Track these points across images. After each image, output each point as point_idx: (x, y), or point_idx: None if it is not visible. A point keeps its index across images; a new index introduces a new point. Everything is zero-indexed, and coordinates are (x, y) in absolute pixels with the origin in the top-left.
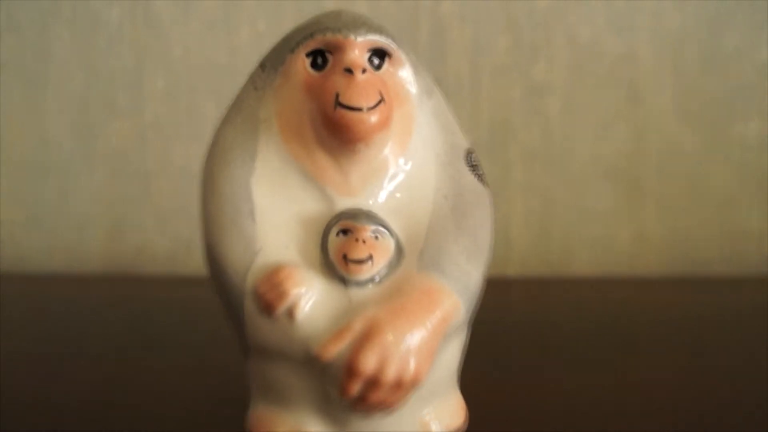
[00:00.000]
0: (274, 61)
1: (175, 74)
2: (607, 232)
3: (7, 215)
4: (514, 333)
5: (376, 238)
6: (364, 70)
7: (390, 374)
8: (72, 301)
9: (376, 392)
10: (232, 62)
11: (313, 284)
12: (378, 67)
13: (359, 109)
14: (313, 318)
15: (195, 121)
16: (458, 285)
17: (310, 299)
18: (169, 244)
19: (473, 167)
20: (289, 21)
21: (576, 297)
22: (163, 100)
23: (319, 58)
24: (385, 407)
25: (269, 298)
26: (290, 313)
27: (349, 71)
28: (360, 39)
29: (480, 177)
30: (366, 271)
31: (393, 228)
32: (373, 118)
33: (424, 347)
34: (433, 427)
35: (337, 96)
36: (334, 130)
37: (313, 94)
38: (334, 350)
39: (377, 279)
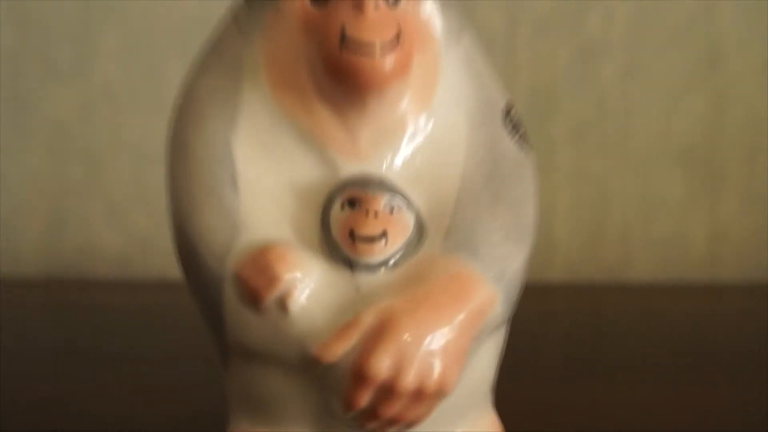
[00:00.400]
0: None
1: (131, 27)
2: (677, 230)
3: None
4: (558, 349)
5: (392, 211)
6: (377, 5)
7: (408, 381)
8: (2, 309)
9: (391, 404)
10: (204, 12)
11: (310, 268)
12: (396, 1)
13: (370, 48)
14: (311, 310)
15: (156, 87)
16: (495, 271)
17: (307, 287)
18: (123, 241)
19: (514, 128)
20: None
21: (636, 308)
22: (115, 60)
23: None
24: (401, 423)
25: (255, 285)
26: (282, 305)
27: (358, 4)
28: None
29: (522, 140)
30: (378, 252)
31: (412, 200)
32: (388, 62)
33: (451, 348)
34: None
35: (343, 31)
36: (339, 77)
37: (313, 32)
38: (338, 351)
39: (392, 262)
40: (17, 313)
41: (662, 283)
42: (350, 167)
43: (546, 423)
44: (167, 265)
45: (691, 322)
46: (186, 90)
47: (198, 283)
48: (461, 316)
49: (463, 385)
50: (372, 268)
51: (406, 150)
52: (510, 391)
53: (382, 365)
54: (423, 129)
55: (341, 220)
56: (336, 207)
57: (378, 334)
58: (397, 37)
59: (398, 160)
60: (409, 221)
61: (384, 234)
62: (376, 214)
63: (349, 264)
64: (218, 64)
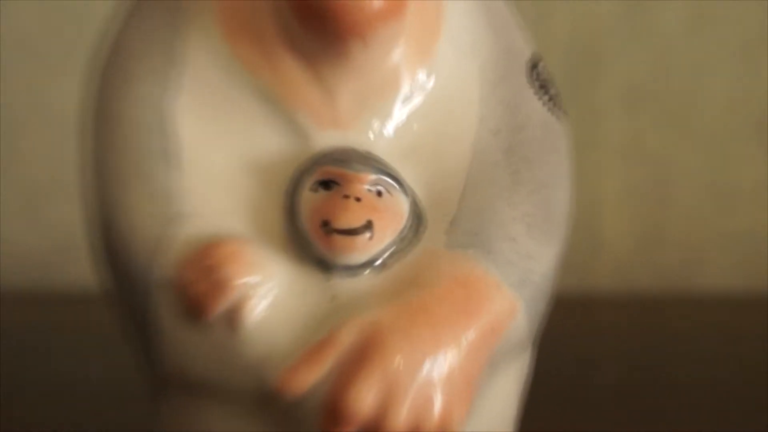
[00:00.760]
0: None
1: None
2: (757, 224)
3: None
4: (603, 376)
5: (379, 194)
6: None
7: (400, 421)
8: None
9: None
10: None
11: (271, 270)
12: None
13: None
14: (271, 327)
15: (83, 38)
16: (515, 273)
17: (266, 296)
18: (37, 240)
19: (542, 86)
20: None
21: (705, 323)
22: (29, 2)
23: None
24: None
25: (197, 292)
26: (232, 319)
27: None
28: None
29: (552, 102)
30: (360, 249)
31: (407, 180)
32: None
33: (457, 377)
34: None
35: None
36: (312, 19)
37: None
38: (307, 380)
39: (379, 262)
40: None
41: (738, 291)
42: (325, 137)
43: None
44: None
45: None
46: (110, 39)
47: (121, 290)
48: (470, 334)
49: (475, 425)
50: (352, 270)
51: (399, 115)
52: (538, 426)
53: (365, 400)
54: (422, 87)
55: (313, 206)
56: (306, 189)
57: (360, 359)
58: None
59: (389, 128)
60: (402, 208)
61: (368, 225)
62: (358, 198)
63: (323, 265)
64: (152, 4)
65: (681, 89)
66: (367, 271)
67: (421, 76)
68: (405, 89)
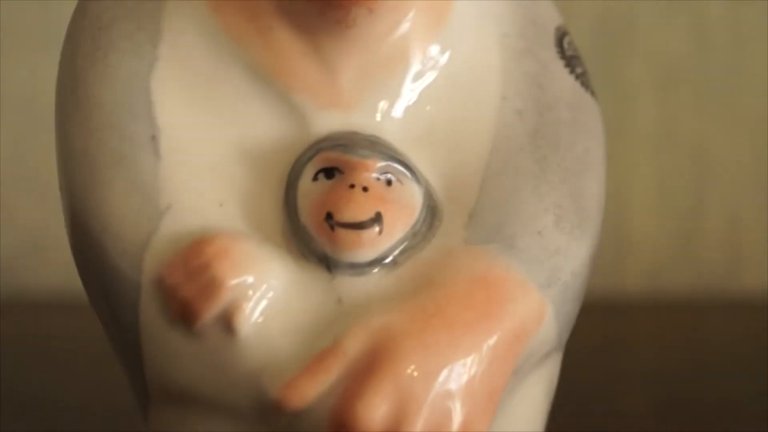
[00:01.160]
0: None
1: None
2: None
3: None
4: (637, 386)
5: (389, 183)
6: None
7: None
8: None
9: None
10: None
11: (268, 268)
12: None
13: None
14: (270, 333)
15: (49, 14)
16: (542, 272)
17: (264, 298)
18: (8, 239)
19: (570, 60)
20: None
21: (748, 329)
22: None
23: None
24: None
25: (187, 295)
26: (226, 324)
27: None
28: None
29: (582, 78)
30: (369, 245)
31: (419, 167)
32: None
33: (478, 387)
34: None
35: None
36: None
37: None
38: (310, 392)
39: (390, 260)
40: None
41: None
42: (326, 118)
43: None
44: (68, 273)
45: None
46: (83, 10)
47: (103, 295)
48: (492, 340)
49: None
50: (359, 268)
51: (409, 94)
52: None
53: (375, 414)
54: (435, 63)
55: (314, 197)
56: (306, 178)
57: (369, 368)
58: None
59: (398, 109)
60: (414, 199)
61: (377, 218)
62: (365, 188)
63: (327, 263)
64: None
65: (722, 66)
66: (376, 270)
67: (434, 49)
68: (416, 65)
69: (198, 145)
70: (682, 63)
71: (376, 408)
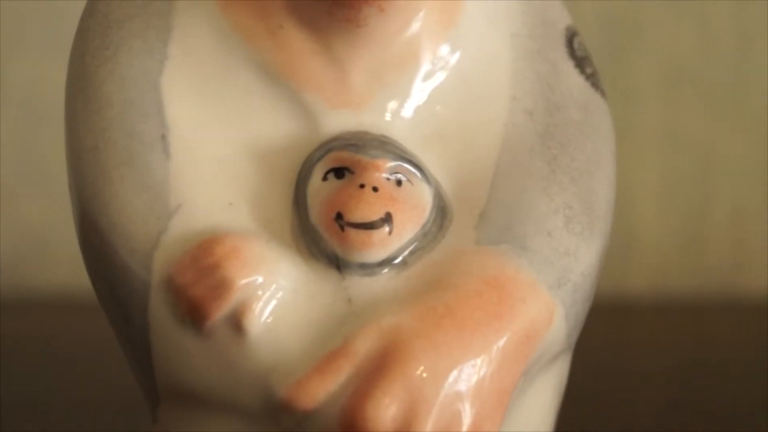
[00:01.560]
0: None
1: None
2: None
3: None
4: (644, 387)
5: (399, 183)
6: None
7: None
8: None
9: None
10: None
11: (278, 268)
12: None
13: None
14: (279, 333)
15: (55, 14)
16: (552, 272)
17: (274, 298)
18: (11, 238)
19: (580, 61)
20: None
21: (755, 331)
22: None
23: None
24: None
25: (196, 295)
26: (236, 324)
27: None
28: None
29: (591, 78)
30: (379, 245)
31: (429, 167)
32: None
33: (488, 388)
34: None
35: None
36: None
37: None
38: (320, 392)
39: (400, 260)
40: None
41: None
42: (336, 118)
43: None
44: (73, 272)
45: None
46: (92, 9)
47: (112, 294)
48: (503, 341)
49: None
50: (369, 268)
51: (419, 93)
52: None
53: (384, 415)
54: (445, 63)
55: (324, 197)
56: (316, 178)
57: (379, 368)
58: None
59: (408, 109)
60: (424, 199)
61: (387, 218)
62: (375, 188)
63: (337, 263)
64: None
65: (727, 67)
66: (386, 270)
67: (444, 49)
68: (426, 65)
69: (208, 144)
70: (688, 63)
71: (385, 408)
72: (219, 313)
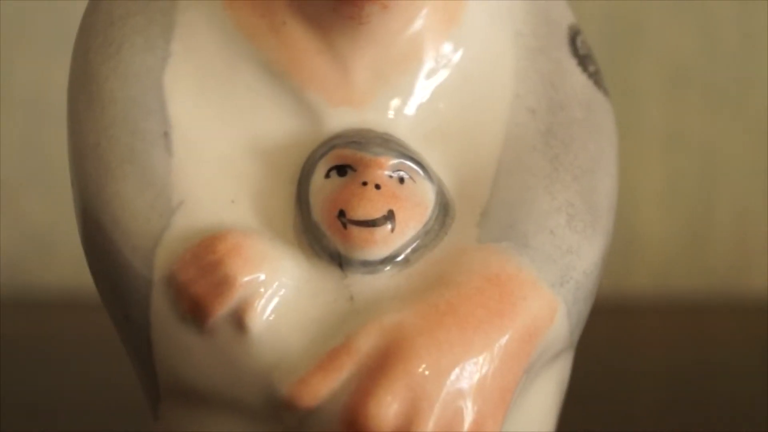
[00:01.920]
0: None
1: None
2: None
3: None
4: (645, 388)
5: (401, 181)
6: None
7: None
8: None
9: None
10: None
11: (280, 266)
12: None
13: None
14: (281, 331)
15: (58, 13)
16: (555, 271)
17: (276, 295)
18: (13, 237)
19: (583, 60)
20: None
21: (755, 331)
22: None
23: None
24: None
25: (198, 292)
26: (238, 322)
27: None
28: None
29: (594, 77)
30: (381, 242)
31: (432, 165)
32: None
33: (490, 386)
34: None
35: None
36: None
37: None
38: (322, 390)
39: (402, 258)
40: None
41: None
42: (339, 115)
43: None
44: (75, 271)
45: None
46: (95, 6)
47: (114, 291)
48: (505, 338)
49: None
50: (371, 266)
51: (422, 91)
52: None
53: (387, 412)
54: (448, 61)
55: (326, 194)
56: (319, 175)
57: (381, 366)
58: None
59: (411, 106)
60: (426, 197)
61: (389, 216)
62: (377, 186)
63: (339, 260)
64: None
65: (730, 67)
66: (388, 268)
67: (447, 47)
68: (429, 62)
69: (210, 141)
70: (691, 63)
71: (387, 406)
72: (221, 310)
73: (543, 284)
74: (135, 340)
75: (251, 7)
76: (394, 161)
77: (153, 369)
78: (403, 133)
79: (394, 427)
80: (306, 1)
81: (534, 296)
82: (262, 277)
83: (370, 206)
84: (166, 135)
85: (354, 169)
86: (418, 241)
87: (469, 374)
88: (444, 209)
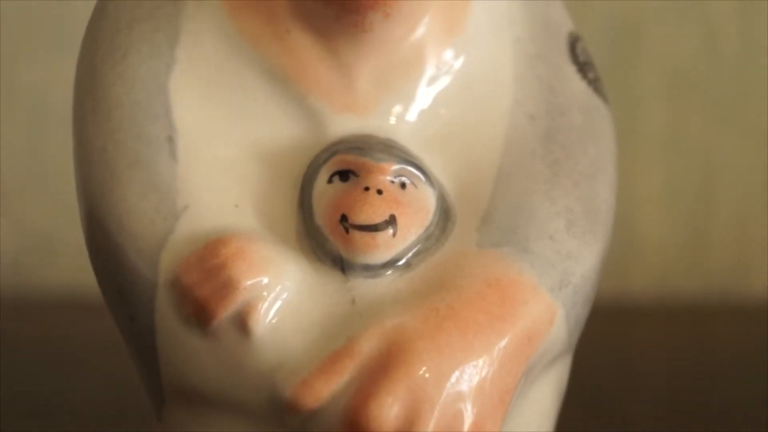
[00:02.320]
0: None
1: None
2: None
3: None
4: (645, 391)
5: (403, 186)
6: None
7: None
8: None
9: None
10: None
11: (283, 270)
12: None
13: None
14: (284, 333)
15: (63, 15)
16: (554, 275)
17: (279, 299)
18: (14, 238)
19: (582, 66)
20: None
21: (755, 334)
22: None
23: None
24: None
25: (202, 295)
26: (241, 324)
27: None
28: None
29: (594, 84)
30: (383, 247)
31: (433, 170)
32: None
33: (489, 388)
34: None
35: None
36: None
37: None
38: (324, 392)
39: (403, 262)
40: None
41: None
42: (341, 122)
43: None
44: (77, 272)
45: None
46: (102, 11)
47: (119, 294)
48: (504, 342)
49: None
50: (373, 270)
51: (424, 98)
52: None
53: (387, 414)
54: (450, 67)
55: (329, 199)
56: (321, 180)
57: (382, 368)
58: None
59: (412, 113)
60: (428, 202)
61: (391, 220)
62: (380, 191)
63: (341, 264)
64: None
65: (730, 73)
66: (390, 272)
67: (449, 54)
68: (430, 69)
69: (214, 146)
70: (691, 69)
71: (388, 408)
72: (224, 313)
73: (542, 289)
74: (139, 342)
75: (255, 14)
76: (396, 167)
77: (157, 371)
78: (404, 138)
79: (395, 428)
80: (310, 9)
81: (534, 301)
82: (265, 280)
83: (372, 211)
84: (171, 140)
85: (356, 175)
86: (419, 246)
87: (469, 377)
88: (445, 214)
